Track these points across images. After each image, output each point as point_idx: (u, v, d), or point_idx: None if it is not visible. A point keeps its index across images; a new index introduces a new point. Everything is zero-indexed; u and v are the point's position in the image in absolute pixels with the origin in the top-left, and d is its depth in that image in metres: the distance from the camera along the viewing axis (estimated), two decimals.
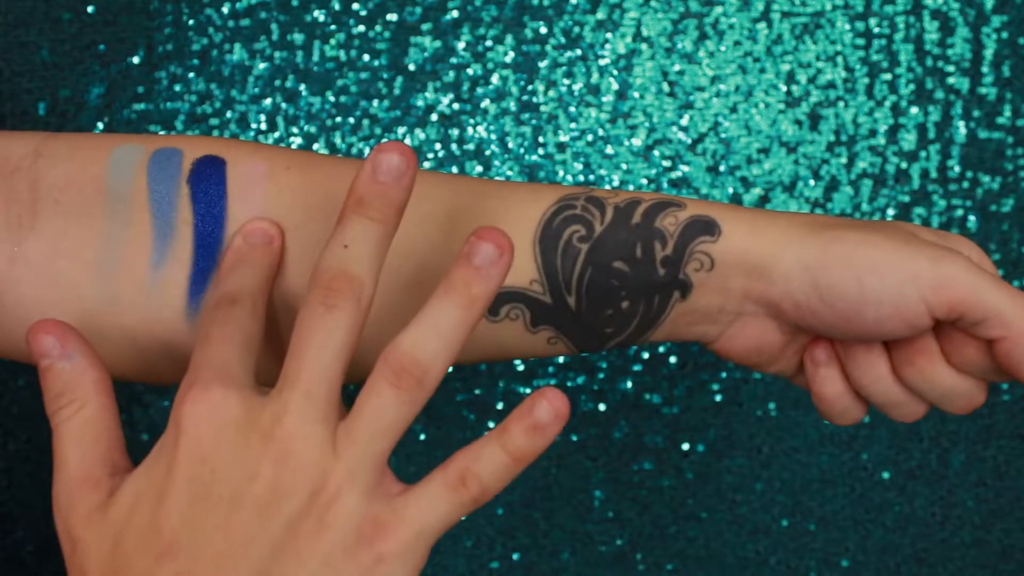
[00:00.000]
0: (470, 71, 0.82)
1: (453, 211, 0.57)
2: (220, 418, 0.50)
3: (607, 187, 0.83)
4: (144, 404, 0.84)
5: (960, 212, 0.84)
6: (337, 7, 0.82)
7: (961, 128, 0.83)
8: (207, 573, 0.49)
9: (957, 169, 0.84)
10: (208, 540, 0.49)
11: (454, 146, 0.82)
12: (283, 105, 0.82)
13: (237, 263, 0.55)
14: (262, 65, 0.82)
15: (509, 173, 0.82)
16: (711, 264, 0.56)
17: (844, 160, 0.83)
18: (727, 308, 0.57)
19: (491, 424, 0.85)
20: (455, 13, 0.82)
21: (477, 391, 0.84)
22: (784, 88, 0.83)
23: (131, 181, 0.57)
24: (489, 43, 0.82)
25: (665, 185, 0.83)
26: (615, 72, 0.82)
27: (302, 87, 0.82)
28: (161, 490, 0.50)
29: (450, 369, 0.84)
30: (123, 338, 0.57)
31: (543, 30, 0.82)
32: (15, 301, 0.56)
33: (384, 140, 0.83)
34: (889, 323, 0.55)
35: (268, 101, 0.82)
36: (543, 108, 0.82)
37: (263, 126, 0.82)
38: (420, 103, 0.82)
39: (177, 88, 0.81)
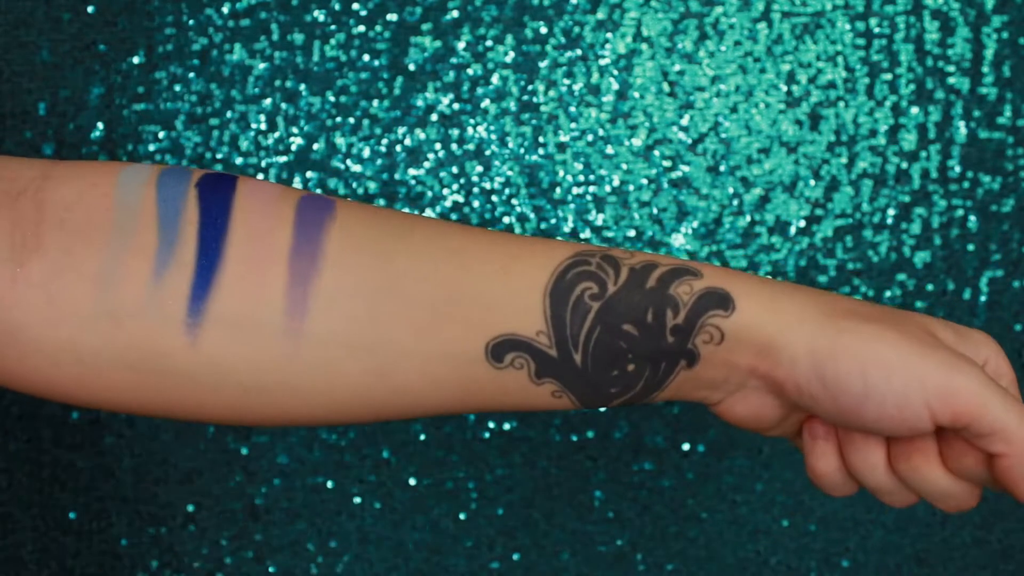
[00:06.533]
0: (470, 71, 0.82)
1: (466, 252, 0.56)
2: None
3: (607, 187, 0.83)
4: None
5: (960, 212, 0.84)
6: (337, 7, 0.82)
7: (961, 128, 0.83)
8: None
9: (957, 169, 0.83)
10: None
11: (454, 146, 0.82)
12: (283, 105, 0.82)
13: None
14: (262, 65, 0.82)
15: (509, 173, 0.82)
16: (721, 338, 0.55)
17: (844, 160, 0.83)
18: (731, 380, 0.57)
19: (491, 424, 0.85)
20: (455, 13, 0.82)
21: None
22: (784, 88, 0.83)
23: (140, 193, 0.56)
24: (489, 43, 0.82)
25: (665, 185, 0.83)
26: (615, 72, 0.82)
27: (302, 87, 0.82)
28: None
29: None
30: (117, 356, 0.55)
31: (543, 30, 0.82)
32: (13, 325, 0.54)
33: (384, 140, 0.83)
34: (889, 423, 0.54)
35: (268, 101, 0.82)
36: (543, 108, 0.82)
37: (263, 126, 0.82)
38: (420, 103, 0.82)
39: (177, 88, 0.81)
